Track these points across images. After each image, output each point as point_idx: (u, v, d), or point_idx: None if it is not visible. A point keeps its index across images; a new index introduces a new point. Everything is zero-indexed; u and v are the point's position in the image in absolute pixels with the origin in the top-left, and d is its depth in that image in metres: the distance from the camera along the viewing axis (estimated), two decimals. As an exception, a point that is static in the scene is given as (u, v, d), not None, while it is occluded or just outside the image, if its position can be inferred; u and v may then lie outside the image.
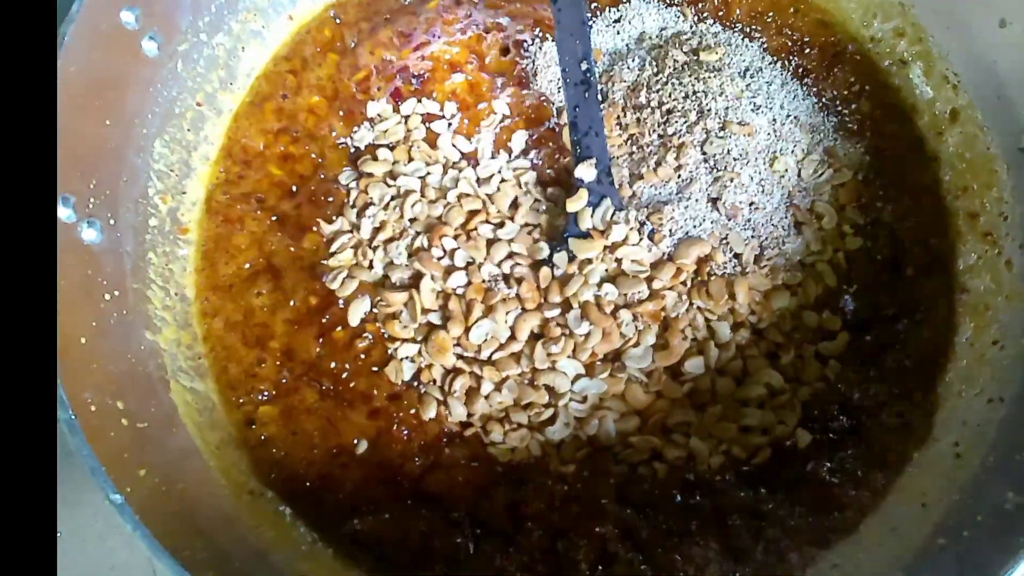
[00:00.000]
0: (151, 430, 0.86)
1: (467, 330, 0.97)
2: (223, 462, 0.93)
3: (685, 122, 1.03)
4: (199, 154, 1.07)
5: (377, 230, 1.03)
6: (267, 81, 1.12)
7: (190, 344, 0.99)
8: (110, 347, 0.87)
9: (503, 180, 1.07)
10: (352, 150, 1.10)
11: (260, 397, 0.97)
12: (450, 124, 1.11)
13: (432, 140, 1.10)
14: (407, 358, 0.98)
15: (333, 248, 1.04)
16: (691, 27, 1.14)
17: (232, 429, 0.95)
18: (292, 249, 1.04)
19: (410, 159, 1.07)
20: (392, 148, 1.08)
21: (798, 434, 0.94)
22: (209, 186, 1.07)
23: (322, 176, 1.08)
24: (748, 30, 1.15)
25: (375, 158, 1.08)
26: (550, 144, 1.09)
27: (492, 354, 0.96)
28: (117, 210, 0.94)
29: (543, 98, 1.11)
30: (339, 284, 1.02)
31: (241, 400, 0.98)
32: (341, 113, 1.11)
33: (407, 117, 1.11)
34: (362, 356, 0.99)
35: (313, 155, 1.09)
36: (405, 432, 0.95)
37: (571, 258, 0.99)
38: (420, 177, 1.06)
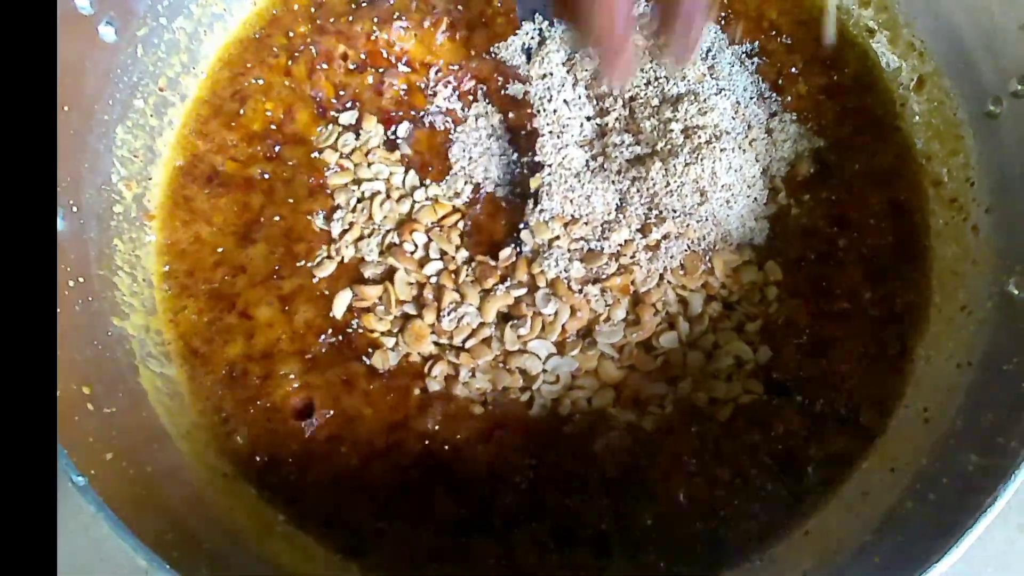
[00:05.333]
0: (119, 415, 0.86)
1: (439, 317, 0.97)
2: (194, 446, 0.93)
3: (648, 109, 1.02)
4: (164, 140, 1.06)
5: (345, 231, 1.03)
6: (231, 66, 1.11)
7: (159, 330, 0.98)
8: (75, 334, 0.87)
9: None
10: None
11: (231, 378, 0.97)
12: (403, 138, 1.09)
13: (391, 143, 1.09)
14: (391, 349, 0.98)
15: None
16: (651, 9, 1.13)
17: (200, 416, 0.96)
18: (264, 238, 1.03)
19: (369, 164, 1.06)
20: (350, 155, 1.07)
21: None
22: (176, 172, 1.06)
23: (291, 164, 1.07)
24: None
25: (338, 169, 1.06)
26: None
27: (465, 340, 0.97)
28: (80, 197, 0.93)
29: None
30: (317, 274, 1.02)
31: (211, 390, 0.97)
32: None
33: (356, 128, 1.09)
34: (338, 337, 0.99)
35: (284, 142, 1.08)
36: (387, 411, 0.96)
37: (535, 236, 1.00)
38: (384, 179, 1.06)
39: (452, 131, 1.09)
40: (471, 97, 1.10)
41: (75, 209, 0.92)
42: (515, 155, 1.07)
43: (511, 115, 1.08)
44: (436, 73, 1.11)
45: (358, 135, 1.08)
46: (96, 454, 0.78)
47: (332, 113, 1.08)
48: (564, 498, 0.91)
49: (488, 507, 0.91)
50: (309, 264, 1.02)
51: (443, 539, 0.90)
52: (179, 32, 1.07)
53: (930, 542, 0.74)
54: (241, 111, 1.08)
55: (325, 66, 1.10)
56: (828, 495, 0.92)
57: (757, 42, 1.11)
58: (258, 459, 0.93)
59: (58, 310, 0.86)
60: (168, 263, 1.02)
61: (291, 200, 1.05)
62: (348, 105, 1.09)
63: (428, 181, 1.06)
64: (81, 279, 0.91)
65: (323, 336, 0.98)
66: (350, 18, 1.12)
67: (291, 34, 1.12)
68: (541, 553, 0.89)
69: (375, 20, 1.11)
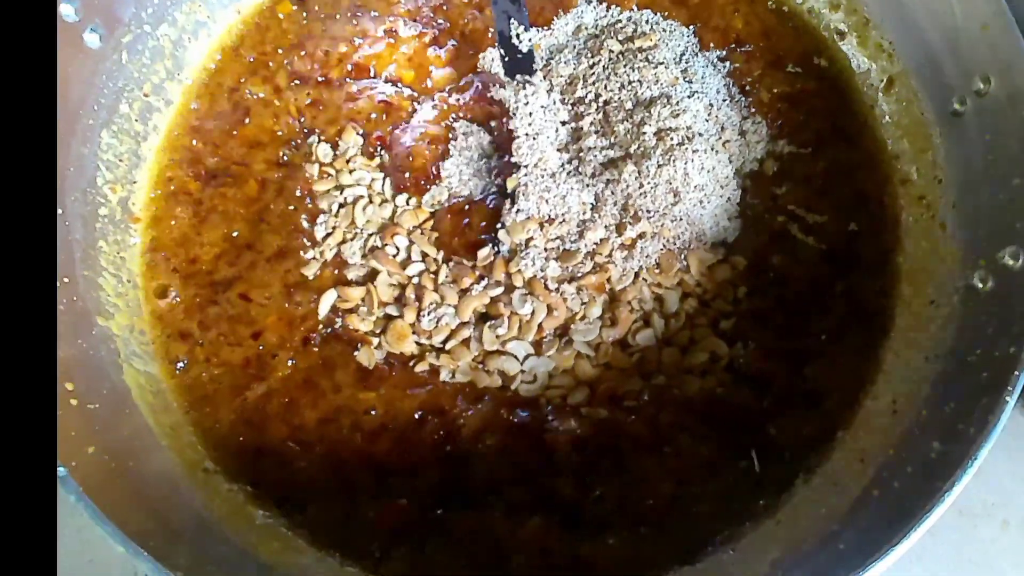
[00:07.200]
0: (102, 411, 0.88)
1: (419, 317, 0.99)
2: (177, 442, 0.95)
3: (622, 113, 1.04)
4: (148, 144, 1.08)
5: (329, 234, 1.06)
6: (227, 76, 1.14)
7: (143, 330, 1.00)
8: (60, 332, 0.88)
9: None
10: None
11: (213, 377, 0.99)
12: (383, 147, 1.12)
13: (369, 149, 1.11)
14: (376, 348, 1.00)
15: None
16: (627, 16, 1.15)
17: (183, 412, 0.97)
18: (248, 241, 1.05)
19: (351, 171, 1.09)
20: (331, 163, 1.09)
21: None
22: (160, 176, 1.08)
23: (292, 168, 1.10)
24: (679, 14, 1.16)
25: (321, 176, 1.09)
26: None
27: (446, 341, 0.99)
28: (65, 199, 0.96)
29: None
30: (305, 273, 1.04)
31: (197, 383, 0.99)
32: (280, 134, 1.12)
33: (334, 139, 1.11)
34: (328, 330, 1.01)
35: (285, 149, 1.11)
36: (372, 412, 0.98)
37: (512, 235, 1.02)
38: (366, 184, 1.08)
39: (426, 140, 1.11)
40: (456, 113, 1.12)
41: (60, 211, 0.94)
42: (498, 174, 1.08)
43: (493, 124, 1.10)
44: (419, 85, 1.13)
45: (336, 146, 1.10)
46: (78, 447, 0.80)
47: (296, 141, 1.11)
48: (536, 466, 0.94)
49: (464, 475, 0.93)
50: (304, 256, 1.05)
51: (422, 515, 0.92)
52: (163, 39, 1.09)
53: (892, 528, 0.76)
54: (247, 120, 1.11)
55: (298, 83, 1.12)
56: (799, 486, 0.93)
57: (726, 50, 1.14)
58: (238, 454, 0.95)
59: (42, 309, 0.87)
60: (162, 252, 1.04)
61: (297, 201, 1.07)
62: (315, 126, 1.11)
63: (407, 194, 1.08)
64: (66, 279, 0.93)
65: (314, 334, 1.01)
66: (332, 28, 1.15)
67: (280, 50, 1.14)
68: (515, 523, 0.91)
69: (358, 30, 1.14)
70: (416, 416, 0.97)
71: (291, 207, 1.07)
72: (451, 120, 1.12)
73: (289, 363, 0.99)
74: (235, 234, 1.05)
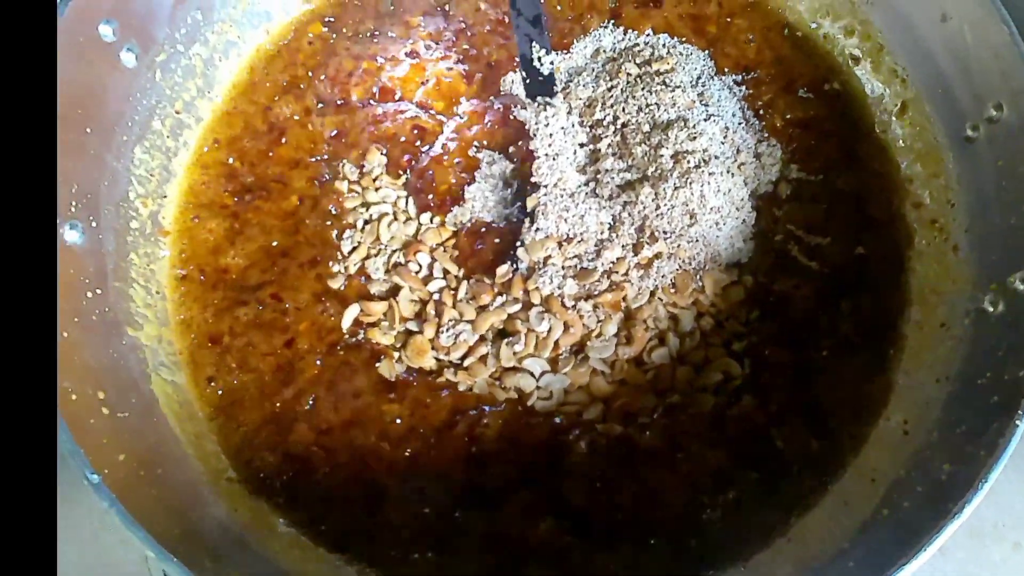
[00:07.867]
0: (131, 419, 0.90)
1: (438, 333, 1.01)
2: (202, 451, 0.97)
3: (639, 135, 1.06)
4: (179, 160, 1.11)
5: (354, 249, 1.08)
6: (247, 91, 1.17)
7: (171, 340, 1.03)
8: (91, 341, 0.91)
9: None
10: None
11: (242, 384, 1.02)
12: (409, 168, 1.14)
13: (394, 169, 1.13)
14: (397, 361, 1.02)
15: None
16: (644, 40, 1.18)
17: (208, 423, 1.00)
18: (284, 250, 1.08)
19: (377, 188, 1.11)
20: (358, 181, 1.12)
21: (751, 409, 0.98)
22: (190, 191, 1.11)
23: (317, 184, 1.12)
24: (696, 39, 1.18)
25: (349, 193, 1.12)
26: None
27: (463, 358, 1.01)
28: (98, 213, 0.98)
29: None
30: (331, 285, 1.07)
31: (222, 393, 1.02)
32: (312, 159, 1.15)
33: (361, 164, 1.13)
34: (346, 343, 1.03)
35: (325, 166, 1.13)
36: (397, 420, 1.00)
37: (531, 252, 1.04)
38: (391, 202, 1.11)
39: (451, 165, 1.13)
40: (480, 140, 1.15)
41: (94, 224, 0.97)
42: (518, 201, 1.10)
43: (511, 150, 1.13)
44: (449, 111, 1.16)
45: (361, 166, 1.13)
46: (109, 454, 0.82)
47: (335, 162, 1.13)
48: (548, 470, 0.95)
49: (481, 476, 0.95)
50: (332, 268, 1.07)
51: (443, 518, 0.94)
52: (195, 58, 1.12)
53: (902, 546, 0.77)
54: (283, 139, 1.14)
55: (321, 105, 1.15)
56: (810, 504, 0.94)
57: (741, 75, 1.16)
58: (262, 463, 0.97)
59: (76, 319, 0.90)
60: (191, 264, 1.07)
61: (332, 217, 1.10)
62: (341, 146, 1.14)
63: (431, 213, 1.10)
64: (99, 291, 0.96)
65: (339, 344, 1.03)
66: (356, 49, 1.18)
67: (310, 72, 1.17)
68: (527, 526, 0.92)
69: (381, 51, 1.17)
70: (445, 417, 0.99)
71: (326, 222, 1.10)
72: (476, 147, 1.14)
73: (317, 363, 1.01)
74: (274, 243, 1.08)
